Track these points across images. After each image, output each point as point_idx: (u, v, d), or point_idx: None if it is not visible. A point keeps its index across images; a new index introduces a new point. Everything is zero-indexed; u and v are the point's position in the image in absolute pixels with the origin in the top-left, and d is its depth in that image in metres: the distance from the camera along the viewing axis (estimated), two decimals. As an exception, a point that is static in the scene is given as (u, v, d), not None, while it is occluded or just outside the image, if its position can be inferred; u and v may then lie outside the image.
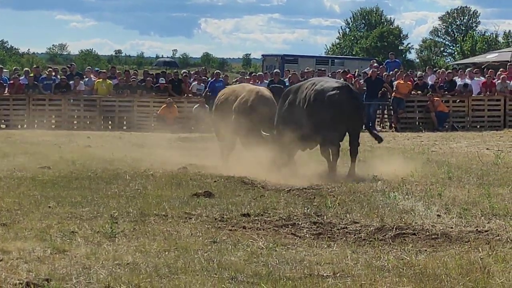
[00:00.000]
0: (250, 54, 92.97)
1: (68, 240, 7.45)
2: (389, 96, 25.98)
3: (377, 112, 26.20)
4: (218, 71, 29.07)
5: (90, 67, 33.28)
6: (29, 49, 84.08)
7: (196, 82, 26.47)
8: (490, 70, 27.43)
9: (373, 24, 73.73)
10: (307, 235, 8.06)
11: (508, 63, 28.94)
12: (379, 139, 13.87)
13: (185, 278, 6.18)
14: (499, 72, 26.70)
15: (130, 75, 27.16)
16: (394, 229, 8.15)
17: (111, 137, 21.18)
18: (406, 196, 10.16)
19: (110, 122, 25.60)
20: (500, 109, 25.88)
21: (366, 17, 75.23)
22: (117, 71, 28.68)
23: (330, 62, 45.91)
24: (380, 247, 7.48)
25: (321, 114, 12.76)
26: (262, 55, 51.02)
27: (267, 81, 25.15)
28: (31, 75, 26.48)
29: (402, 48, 71.75)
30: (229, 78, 27.83)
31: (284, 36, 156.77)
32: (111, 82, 26.12)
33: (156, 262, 6.64)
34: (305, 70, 27.07)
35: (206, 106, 24.66)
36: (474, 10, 72.96)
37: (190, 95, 25.92)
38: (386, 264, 6.71)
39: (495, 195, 10.17)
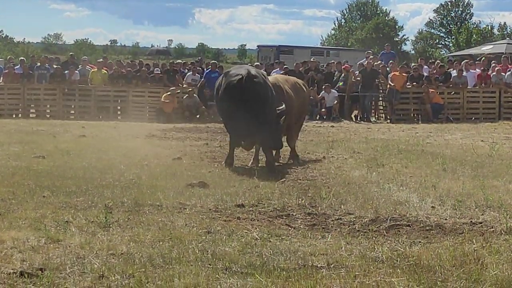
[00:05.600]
0: (245, 45, 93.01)
1: (62, 230, 7.44)
2: (382, 88, 25.99)
3: (372, 103, 26.23)
4: (214, 61, 28.97)
5: (85, 56, 33.18)
6: (24, 39, 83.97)
7: (191, 72, 26.40)
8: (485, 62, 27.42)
9: (368, 15, 73.71)
10: (302, 226, 8.06)
11: (503, 55, 28.93)
12: None
13: (179, 268, 6.17)
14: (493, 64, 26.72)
15: (123, 65, 27.07)
16: (388, 220, 8.16)
17: (106, 127, 21.13)
18: (401, 188, 10.16)
19: (105, 112, 25.53)
20: (495, 101, 25.90)
21: (362, 8, 75.21)
22: (109, 61, 28.55)
23: (326, 53, 45.85)
24: (374, 238, 7.49)
25: (223, 101, 12.76)
26: (258, 46, 50.91)
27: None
28: (26, 64, 26.46)
29: (397, 39, 71.74)
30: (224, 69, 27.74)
31: (278, 26, 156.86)
32: (106, 72, 26.07)
33: (150, 252, 6.63)
34: (301, 61, 27.03)
35: (195, 95, 24.63)
36: (468, 1, 72.99)
37: (185, 85, 25.86)
38: (380, 255, 6.70)
39: (490, 187, 10.18)
